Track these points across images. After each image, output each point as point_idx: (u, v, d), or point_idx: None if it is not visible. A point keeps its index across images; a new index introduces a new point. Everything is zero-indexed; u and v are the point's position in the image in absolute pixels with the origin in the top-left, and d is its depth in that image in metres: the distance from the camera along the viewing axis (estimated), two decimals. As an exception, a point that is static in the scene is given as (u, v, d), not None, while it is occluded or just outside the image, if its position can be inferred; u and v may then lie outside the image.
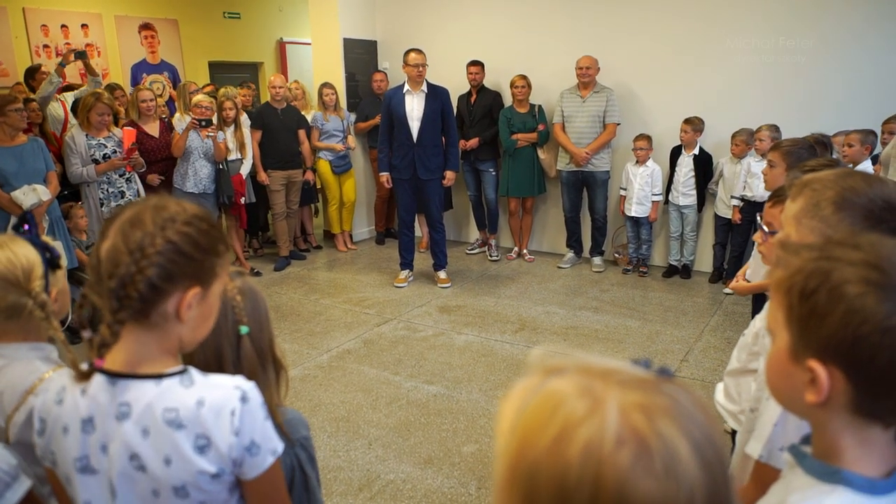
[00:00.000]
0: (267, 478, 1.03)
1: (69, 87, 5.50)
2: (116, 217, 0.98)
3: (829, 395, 0.72)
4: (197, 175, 5.09)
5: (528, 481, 0.51)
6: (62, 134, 4.94)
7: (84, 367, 0.99)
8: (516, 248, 6.18)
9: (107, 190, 4.61)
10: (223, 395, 0.98)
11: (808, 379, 0.73)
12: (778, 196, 1.68)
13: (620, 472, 0.47)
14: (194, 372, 1.01)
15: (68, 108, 5.16)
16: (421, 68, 4.93)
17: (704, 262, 5.53)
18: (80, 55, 5.24)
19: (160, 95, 6.32)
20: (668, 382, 0.53)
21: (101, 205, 4.60)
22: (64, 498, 1.08)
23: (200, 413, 0.96)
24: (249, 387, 1.01)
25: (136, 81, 7.50)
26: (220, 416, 0.96)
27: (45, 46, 7.26)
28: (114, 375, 0.98)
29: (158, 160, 5.06)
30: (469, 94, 5.99)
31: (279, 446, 1.04)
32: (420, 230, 6.33)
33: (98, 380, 0.99)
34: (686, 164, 5.21)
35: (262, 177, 5.69)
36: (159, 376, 0.98)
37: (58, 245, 1.39)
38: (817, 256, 0.73)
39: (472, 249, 6.40)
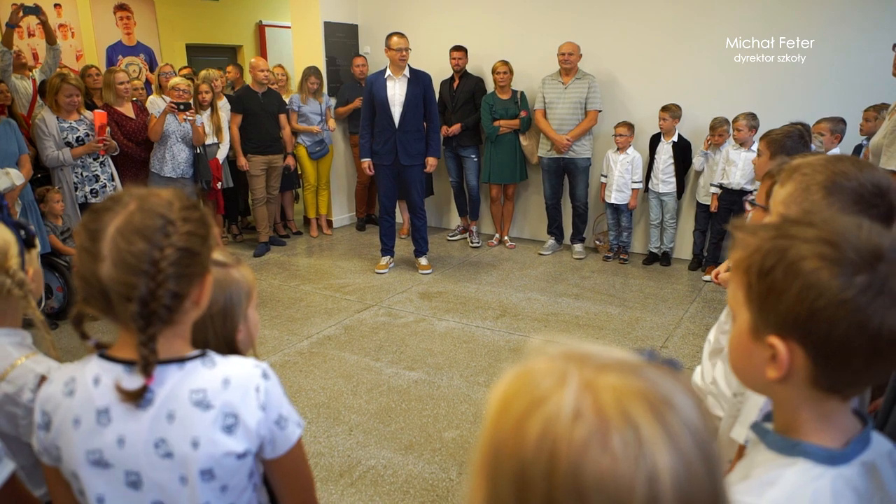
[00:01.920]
0: (295, 453, 1.04)
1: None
2: (99, 231, 0.91)
3: (790, 371, 0.74)
4: (175, 159, 5.02)
5: (493, 459, 0.50)
6: (29, 114, 4.82)
7: (129, 385, 0.95)
8: (497, 235, 6.19)
9: (81, 174, 4.53)
10: (247, 372, 1.00)
11: (768, 355, 0.75)
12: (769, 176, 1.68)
13: (575, 446, 0.46)
14: (213, 353, 1.01)
15: (37, 86, 5.03)
16: (404, 52, 4.87)
17: (684, 249, 5.57)
18: (31, 11, 4.56)
19: (136, 78, 6.20)
20: (654, 369, 0.51)
21: (76, 189, 4.52)
22: (63, 499, 1.04)
23: (227, 391, 0.96)
24: (266, 365, 1.03)
25: (111, 63, 7.33)
26: (246, 393, 0.98)
27: (17, 27, 7.05)
28: (131, 363, 0.95)
29: (140, 142, 4.99)
30: (451, 79, 5.94)
31: (302, 420, 1.06)
32: (401, 216, 6.31)
33: (115, 369, 0.96)
34: (665, 151, 5.23)
35: (242, 162, 5.62)
36: (182, 360, 0.98)
37: None
38: (774, 235, 0.75)
39: (453, 236, 6.40)
